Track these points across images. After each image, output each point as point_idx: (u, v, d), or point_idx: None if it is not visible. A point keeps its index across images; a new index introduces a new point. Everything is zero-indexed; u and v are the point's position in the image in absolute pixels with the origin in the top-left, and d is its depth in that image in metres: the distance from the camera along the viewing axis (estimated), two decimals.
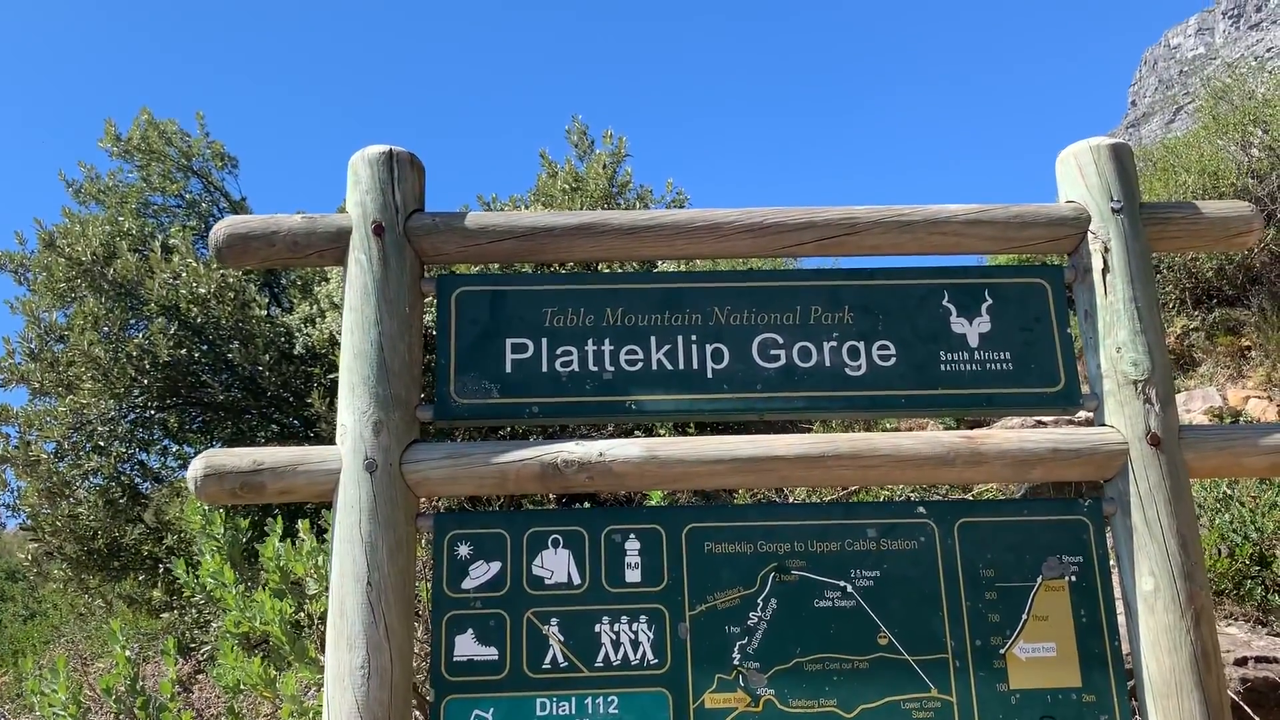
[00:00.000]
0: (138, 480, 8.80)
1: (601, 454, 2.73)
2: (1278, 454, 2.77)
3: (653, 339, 2.91)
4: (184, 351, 8.14)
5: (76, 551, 8.26)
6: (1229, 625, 5.59)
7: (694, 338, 2.92)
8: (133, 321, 8.52)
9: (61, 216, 8.96)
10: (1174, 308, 9.74)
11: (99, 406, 8.07)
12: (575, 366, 2.88)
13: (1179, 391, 8.91)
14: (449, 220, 2.91)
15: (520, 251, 2.97)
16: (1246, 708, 4.49)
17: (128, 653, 3.58)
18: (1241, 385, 9.11)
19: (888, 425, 7.42)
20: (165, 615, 8.18)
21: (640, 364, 2.89)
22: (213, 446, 7.97)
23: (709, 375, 2.88)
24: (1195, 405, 8.70)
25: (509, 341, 2.89)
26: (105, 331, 8.14)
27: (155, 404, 8.37)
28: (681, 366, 2.89)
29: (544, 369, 2.88)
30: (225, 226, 2.90)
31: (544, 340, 2.90)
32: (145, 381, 8.01)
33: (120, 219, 9.19)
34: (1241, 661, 4.78)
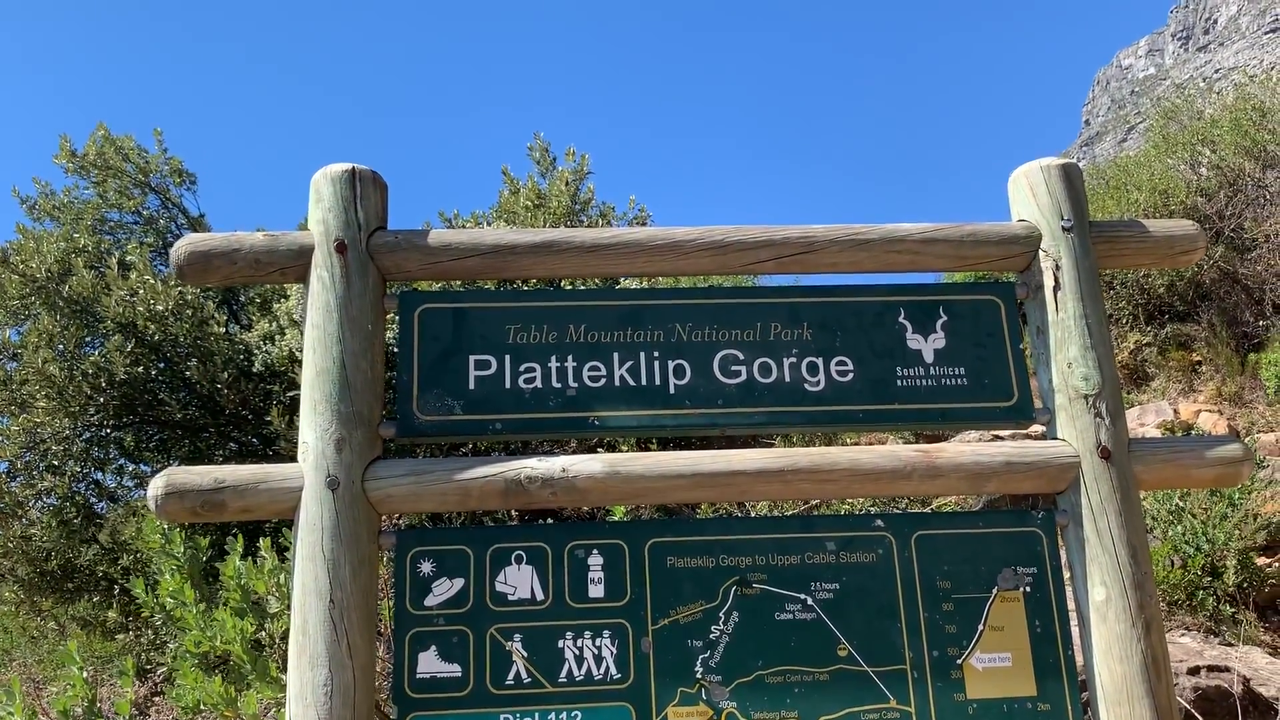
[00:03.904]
0: (93, 500, 8.64)
1: (564, 470, 2.75)
2: (1223, 465, 2.85)
3: (615, 355, 2.94)
4: (141, 369, 8.03)
5: (29, 573, 8.09)
6: (1182, 635, 5.69)
7: (656, 354, 2.94)
8: (88, 339, 8.38)
9: (15, 233, 8.83)
10: (1127, 323, 9.94)
11: (53, 425, 7.93)
12: (538, 383, 2.90)
13: (1132, 406, 9.08)
14: (411, 238, 2.92)
15: (483, 269, 2.99)
16: (1199, 716, 4.58)
17: (84, 674, 3.53)
18: (1193, 399, 9.30)
19: (848, 440, 7.49)
20: (120, 637, 8.04)
21: (603, 380, 2.91)
22: (170, 465, 7.86)
23: (671, 391, 2.91)
24: (1148, 419, 8.86)
25: (472, 358, 2.91)
26: (60, 349, 8.01)
27: (111, 422, 8.24)
28: (644, 382, 2.91)
29: (507, 385, 2.89)
30: (187, 244, 2.89)
31: (507, 357, 2.92)
32: (101, 400, 7.89)
33: (76, 235, 9.06)
34: (1194, 671, 4.87)
